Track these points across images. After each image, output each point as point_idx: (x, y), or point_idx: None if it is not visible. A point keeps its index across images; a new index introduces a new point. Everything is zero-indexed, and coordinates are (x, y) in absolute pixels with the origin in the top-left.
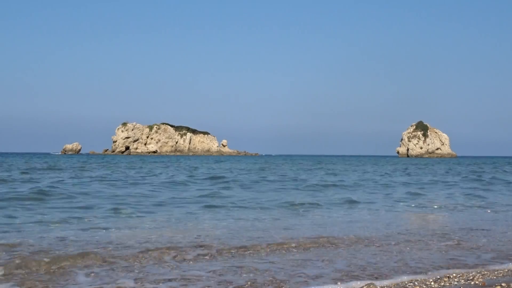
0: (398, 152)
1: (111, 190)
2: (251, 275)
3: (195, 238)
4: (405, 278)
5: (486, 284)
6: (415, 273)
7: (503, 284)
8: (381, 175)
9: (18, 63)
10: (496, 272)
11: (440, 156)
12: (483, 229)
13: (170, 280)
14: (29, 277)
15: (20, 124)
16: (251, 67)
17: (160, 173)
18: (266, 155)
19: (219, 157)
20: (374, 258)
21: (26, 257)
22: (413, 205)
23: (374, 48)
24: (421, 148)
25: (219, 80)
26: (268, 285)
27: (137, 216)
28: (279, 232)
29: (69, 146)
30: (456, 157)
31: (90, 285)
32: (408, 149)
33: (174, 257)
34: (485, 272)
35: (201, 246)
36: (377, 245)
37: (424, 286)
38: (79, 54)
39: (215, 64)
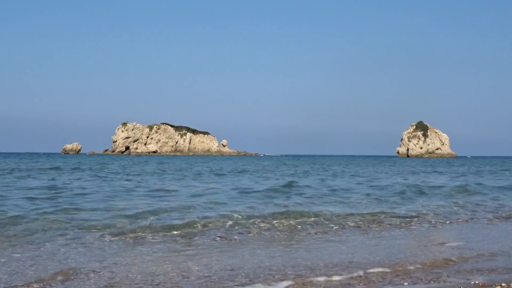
0: (398, 152)
1: None
2: None
3: None
4: None
5: (486, 284)
6: None
7: (503, 284)
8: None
9: (18, 63)
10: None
11: (440, 156)
12: None
13: None
14: None
15: (20, 124)
16: (251, 67)
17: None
18: (265, 155)
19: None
20: None
21: None
22: None
23: (374, 48)
24: (421, 148)
25: (219, 80)
26: None
27: None
28: None
29: (69, 146)
30: (456, 157)
31: None
32: (408, 149)
33: None
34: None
35: None
36: None
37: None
38: (79, 54)
39: (215, 64)
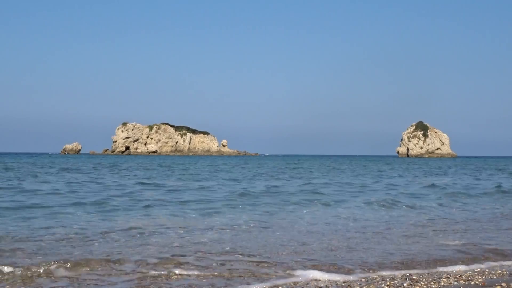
0: (398, 152)
1: None
2: None
3: None
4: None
5: (486, 284)
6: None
7: (503, 284)
8: None
9: (18, 63)
10: (497, 272)
11: (440, 156)
12: None
13: None
14: None
15: (20, 124)
16: (251, 67)
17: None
18: (267, 155)
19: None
20: None
21: None
22: None
23: (374, 48)
24: (421, 148)
25: (219, 80)
26: None
27: None
28: None
29: (69, 146)
30: (456, 157)
31: None
32: (408, 149)
33: None
34: (485, 272)
35: None
36: None
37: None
38: (79, 54)
39: (215, 64)
